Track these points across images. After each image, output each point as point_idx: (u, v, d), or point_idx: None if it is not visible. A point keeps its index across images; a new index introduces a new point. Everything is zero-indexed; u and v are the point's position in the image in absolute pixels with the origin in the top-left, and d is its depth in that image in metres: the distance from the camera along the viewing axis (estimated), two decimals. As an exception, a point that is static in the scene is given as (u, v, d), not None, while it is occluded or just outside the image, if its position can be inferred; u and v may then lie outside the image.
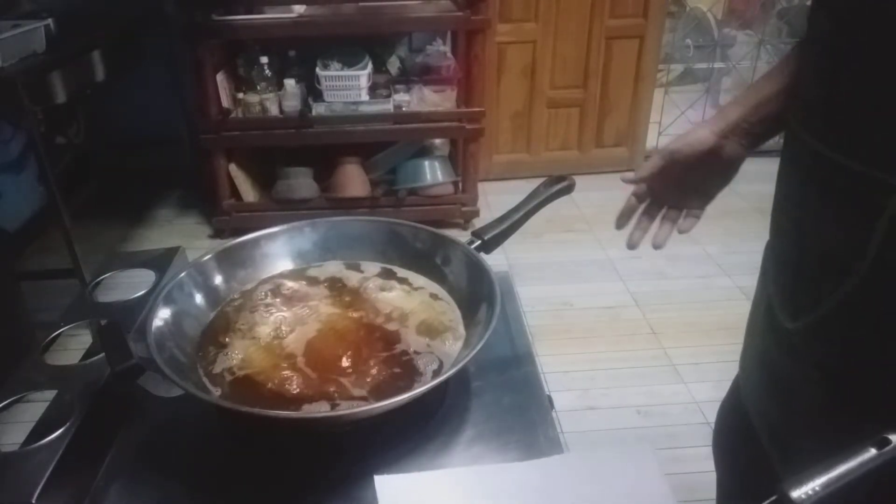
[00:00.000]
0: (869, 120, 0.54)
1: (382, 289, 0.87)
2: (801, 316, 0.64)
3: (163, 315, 0.75)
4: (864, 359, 0.59)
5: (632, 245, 0.87)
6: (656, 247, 0.84)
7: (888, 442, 0.46)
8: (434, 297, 0.86)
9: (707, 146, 0.78)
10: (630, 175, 0.83)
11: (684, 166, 0.80)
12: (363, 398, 0.70)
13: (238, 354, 0.76)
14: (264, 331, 0.80)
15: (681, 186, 0.83)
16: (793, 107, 0.66)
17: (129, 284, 0.96)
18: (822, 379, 0.63)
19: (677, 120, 3.47)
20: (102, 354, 0.77)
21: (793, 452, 0.71)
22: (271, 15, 2.73)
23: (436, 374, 0.73)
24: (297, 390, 0.71)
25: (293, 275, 0.90)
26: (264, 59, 2.80)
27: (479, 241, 0.85)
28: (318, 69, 2.77)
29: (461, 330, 0.80)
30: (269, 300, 0.86)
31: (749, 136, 0.77)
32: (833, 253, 0.60)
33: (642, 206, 0.86)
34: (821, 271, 0.61)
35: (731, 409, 0.87)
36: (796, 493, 0.44)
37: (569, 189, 0.88)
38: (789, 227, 0.67)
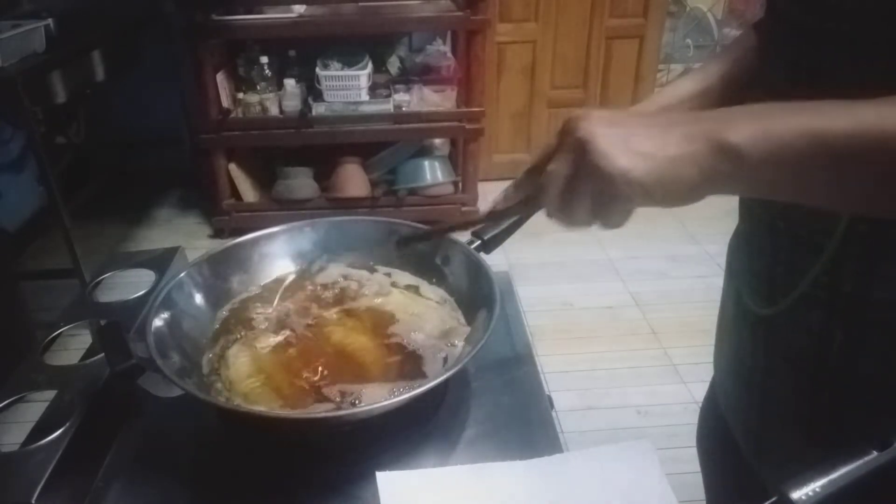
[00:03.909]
0: (833, 94, 0.56)
1: (379, 293, 0.87)
2: (776, 301, 0.64)
3: (162, 315, 0.75)
4: (840, 337, 0.60)
5: None
6: None
7: (889, 443, 0.46)
8: (433, 298, 0.86)
9: None
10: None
11: None
12: (363, 398, 0.70)
13: (237, 355, 0.76)
14: (263, 330, 0.80)
15: None
16: (756, 89, 0.67)
17: (129, 284, 0.95)
18: (797, 363, 0.64)
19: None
20: (102, 354, 0.77)
21: (767, 448, 0.72)
22: (271, 15, 2.74)
23: (436, 373, 0.73)
24: (297, 390, 0.71)
25: (293, 276, 0.90)
26: (264, 59, 2.80)
27: (479, 241, 0.85)
28: (318, 69, 2.77)
29: (461, 330, 0.80)
30: (268, 301, 0.86)
31: None
32: (805, 232, 0.61)
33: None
34: (794, 251, 0.62)
35: (709, 410, 0.88)
36: (797, 495, 0.44)
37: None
38: (760, 211, 0.68)
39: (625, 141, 0.47)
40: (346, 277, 0.90)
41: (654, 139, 0.47)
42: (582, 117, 0.50)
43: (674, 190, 0.48)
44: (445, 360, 0.75)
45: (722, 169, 0.46)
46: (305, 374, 0.74)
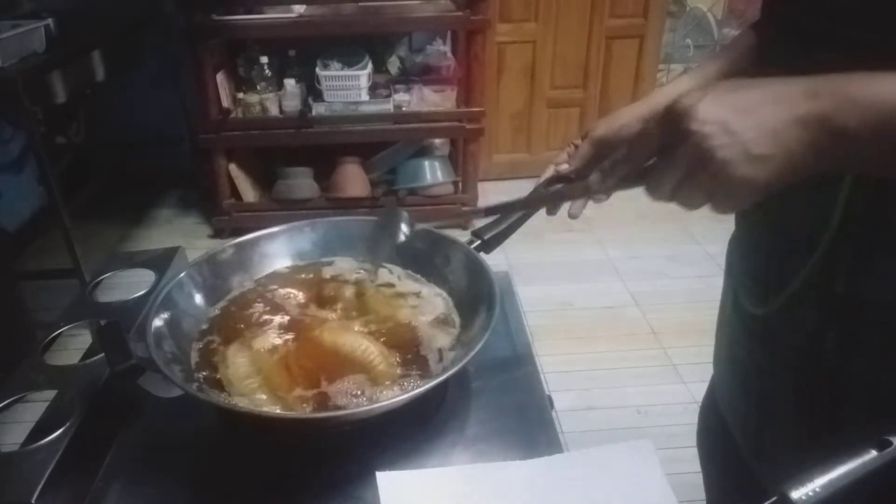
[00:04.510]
0: None
1: (379, 292, 0.87)
2: (770, 300, 0.65)
3: (163, 315, 0.75)
4: (833, 336, 0.60)
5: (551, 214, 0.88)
6: (572, 216, 0.85)
7: (889, 443, 0.46)
8: (433, 297, 0.86)
9: (633, 133, 0.79)
10: (564, 167, 0.84)
11: (611, 153, 0.81)
12: (363, 398, 0.70)
13: (235, 354, 0.76)
14: (261, 329, 0.80)
15: None
16: None
17: (129, 284, 0.96)
18: (793, 363, 0.64)
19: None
20: (102, 354, 0.77)
21: (766, 447, 0.72)
22: (271, 15, 2.73)
23: (435, 373, 0.73)
24: (295, 390, 0.71)
25: (292, 273, 0.90)
26: (264, 59, 2.80)
27: (479, 241, 0.85)
28: (318, 69, 2.77)
29: (461, 330, 0.80)
30: (267, 300, 0.86)
31: None
32: (799, 230, 0.61)
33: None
34: (788, 251, 0.63)
35: (708, 409, 0.88)
36: (797, 495, 0.44)
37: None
38: (754, 212, 0.68)
39: (744, 147, 0.47)
40: (342, 274, 0.90)
41: (771, 137, 0.47)
42: (692, 117, 0.48)
43: (788, 179, 0.48)
44: (442, 361, 0.75)
45: (836, 152, 0.47)
46: (303, 374, 0.74)
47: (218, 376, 0.73)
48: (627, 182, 0.57)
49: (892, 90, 0.46)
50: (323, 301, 0.86)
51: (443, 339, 0.79)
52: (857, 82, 0.47)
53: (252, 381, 0.72)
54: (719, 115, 0.47)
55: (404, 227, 0.82)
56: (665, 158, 0.51)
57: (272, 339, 0.79)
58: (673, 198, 0.52)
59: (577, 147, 0.84)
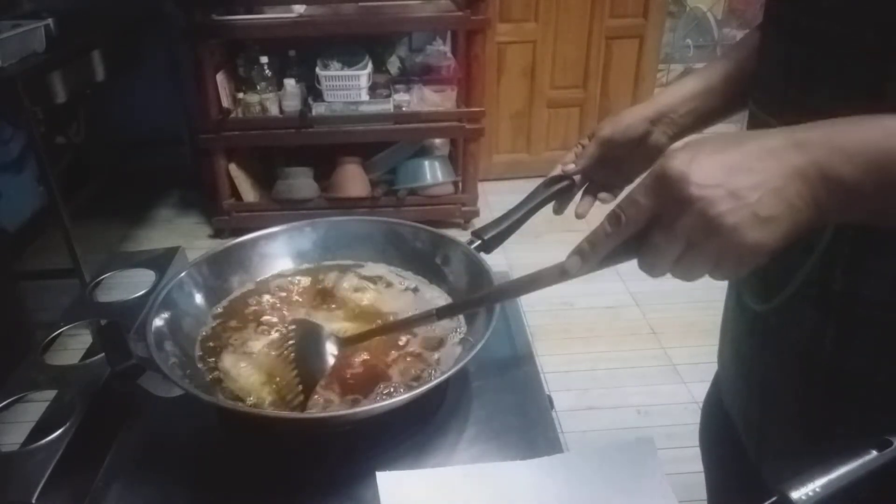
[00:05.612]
0: (821, 93, 0.56)
1: (360, 287, 0.87)
2: (772, 297, 0.65)
3: (163, 315, 0.75)
4: (832, 335, 0.60)
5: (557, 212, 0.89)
6: (579, 216, 0.87)
7: (889, 443, 0.46)
8: (435, 297, 0.86)
9: (639, 133, 0.81)
10: (571, 167, 0.85)
11: (617, 153, 0.83)
12: (363, 398, 0.70)
13: (235, 364, 0.76)
14: (263, 331, 0.80)
15: (609, 169, 0.86)
16: (753, 88, 0.68)
17: (129, 284, 0.96)
18: (794, 360, 0.64)
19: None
20: (102, 354, 0.77)
21: (768, 443, 0.73)
22: (271, 15, 2.74)
23: (435, 374, 0.73)
24: (297, 391, 0.71)
25: (294, 274, 0.91)
26: (264, 59, 2.80)
27: (479, 241, 0.85)
28: (318, 69, 2.77)
29: (461, 330, 0.80)
30: (268, 300, 0.86)
31: (674, 126, 0.81)
32: None
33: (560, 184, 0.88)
34: (787, 251, 0.63)
35: (712, 406, 0.88)
36: (796, 495, 0.44)
37: (569, 189, 0.88)
38: None
39: (751, 210, 0.45)
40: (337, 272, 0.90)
41: (774, 195, 0.45)
42: (689, 181, 0.45)
43: (795, 238, 0.47)
44: (442, 361, 0.75)
45: (837, 204, 0.46)
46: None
47: (223, 382, 0.73)
48: (614, 259, 0.54)
49: (876, 134, 0.45)
50: (323, 300, 0.86)
51: (447, 344, 0.78)
52: (840, 129, 0.46)
53: (269, 388, 0.72)
54: (717, 177, 0.45)
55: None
56: (662, 230, 0.48)
57: (269, 340, 0.78)
58: (673, 270, 0.50)
59: (584, 147, 0.85)
